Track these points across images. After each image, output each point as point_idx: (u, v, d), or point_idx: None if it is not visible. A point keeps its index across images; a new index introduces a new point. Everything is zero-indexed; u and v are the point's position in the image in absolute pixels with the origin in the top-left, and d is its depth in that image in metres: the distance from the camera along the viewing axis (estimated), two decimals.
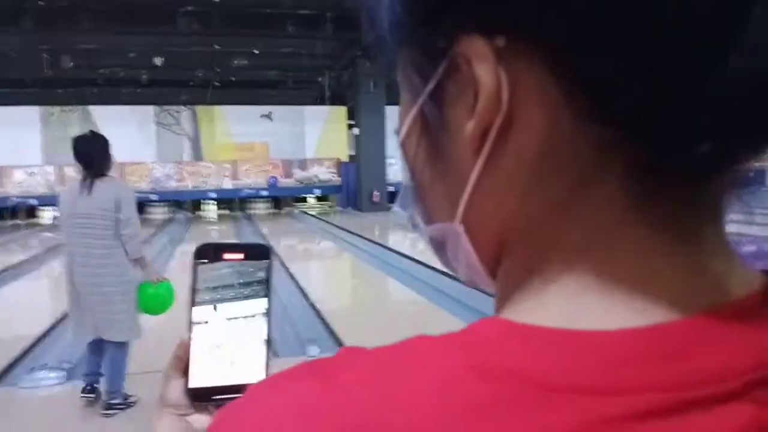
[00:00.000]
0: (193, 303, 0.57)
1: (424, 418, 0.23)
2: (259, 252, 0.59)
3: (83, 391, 3.48)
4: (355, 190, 18.23)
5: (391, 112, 17.23)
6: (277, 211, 19.08)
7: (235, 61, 15.65)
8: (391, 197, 18.15)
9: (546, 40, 0.24)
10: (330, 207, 19.57)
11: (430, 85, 0.28)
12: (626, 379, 0.23)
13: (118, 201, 3.33)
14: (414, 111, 0.30)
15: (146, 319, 3.61)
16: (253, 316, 0.58)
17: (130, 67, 16.05)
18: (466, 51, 0.25)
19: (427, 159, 0.30)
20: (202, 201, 18.81)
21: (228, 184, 18.80)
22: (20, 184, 17.47)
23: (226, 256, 0.58)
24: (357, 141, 17.74)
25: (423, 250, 10.72)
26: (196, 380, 0.56)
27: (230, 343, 0.58)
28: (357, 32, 13.54)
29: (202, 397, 0.56)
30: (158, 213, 17.91)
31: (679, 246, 0.26)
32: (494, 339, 0.25)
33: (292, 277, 7.85)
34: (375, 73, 16.07)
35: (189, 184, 18.58)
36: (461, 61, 0.26)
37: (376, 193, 17.13)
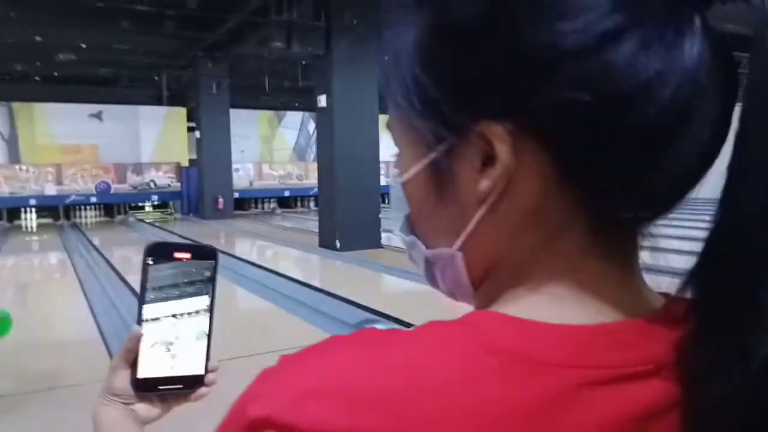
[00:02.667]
0: (143, 300, 0.63)
1: (454, 380, 0.33)
2: (205, 253, 0.65)
3: None
4: (197, 196, 17.46)
5: (236, 116, 16.79)
6: (108, 219, 17.70)
7: (60, 55, 14.28)
8: (237, 204, 17.69)
9: (540, 131, 0.35)
10: (169, 214, 18.55)
11: (444, 147, 0.38)
12: (586, 358, 0.34)
13: None
14: (425, 161, 0.39)
15: None
16: (197, 312, 0.64)
17: None
18: (486, 131, 0.35)
19: (431, 200, 0.40)
20: (21, 208, 16.86)
21: (51, 190, 17.06)
22: None
23: (176, 255, 0.63)
24: (198, 144, 16.98)
25: (271, 258, 10.62)
26: (143, 371, 0.62)
27: (175, 337, 0.63)
28: (199, 31, 13.02)
29: (148, 388, 0.63)
30: None
31: (621, 272, 0.38)
32: (495, 325, 0.35)
33: (131, 290, 7.34)
34: (219, 74, 15.57)
35: (5, 189, 16.57)
36: (478, 137, 0.36)
37: (220, 199, 16.55)
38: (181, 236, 12.59)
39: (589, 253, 0.37)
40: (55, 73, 16.28)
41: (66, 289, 8.03)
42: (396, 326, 4.48)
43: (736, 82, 0.35)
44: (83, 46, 13.67)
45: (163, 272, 0.63)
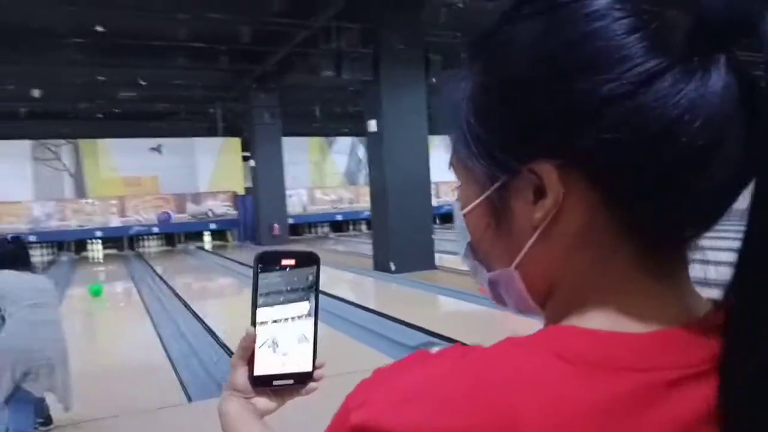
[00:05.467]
0: (256, 305, 0.68)
1: (535, 382, 0.37)
2: (308, 259, 0.71)
3: None
4: (254, 223, 17.88)
5: (288, 144, 17.18)
6: (170, 248, 18.30)
7: (121, 93, 15.00)
8: (292, 230, 18.01)
9: (587, 167, 0.39)
10: (227, 242, 19.04)
11: (498, 184, 0.43)
12: (651, 362, 0.38)
13: None
14: (482, 197, 0.45)
15: None
16: (304, 313, 0.70)
17: (4, 99, 14.91)
18: (536, 169, 0.40)
19: (490, 228, 0.46)
20: (87, 240, 17.66)
21: (115, 222, 17.81)
22: None
23: (283, 262, 0.69)
24: (253, 173, 17.45)
25: (326, 282, 10.70)
26: (259, 369, 0.68)
27: (285, 338, 0.69)
28: (251, 64, 13.46)
29: (264, 383, 0.69)
30: (38, 255, 16.56)
31: (669, 284, 0.42)
32: (566, 336, 0.40)
33: (196, 316, 7.56)
34: (271, 104, 16.01)
35: (72, 223, 17.41)
36: (529, 173, 0.41)
37: (275, 226, 16.89)
38: (239, 263, 12.88)
39: (639, 269, 0.41)
40: (117, 110, 17.10)
41: (133, 317, 8.32)
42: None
43: (765, 102, 0.39)
44: (143, 83, 14.33)
45: (272, 278, 0.69)
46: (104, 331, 8.13)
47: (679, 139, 0.37)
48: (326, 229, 20.25)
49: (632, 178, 0.38)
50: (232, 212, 18.89)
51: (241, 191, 18.89)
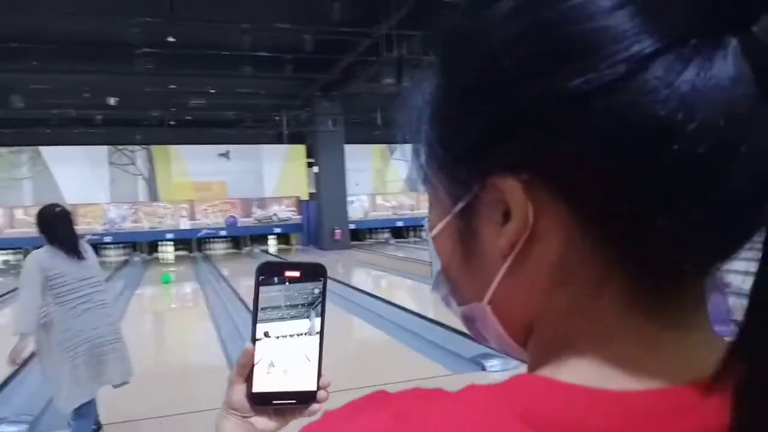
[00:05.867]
0: (256, 320, 0.64)
1: None
2: (314, 271, 0.67)
3: None
4: (316, 228, 18.16)
5: (351, 151, 17.37)
6: (236, 251, 18.82)
7: (192, 101, 15.56)
8: (353, 235, 18.17)
9: (560, 181, 0.32)
10: (291, 246, 19.41)
11: (460, 205, 0.36)
12: (636, 429, 0.30)
13: None
14: (446, 219, 0.38)
15: None
16: (308, 329, 0.66)
17: (82, 107, 15.77)
18: (499, 185, 0.33)
19: (458, 255, 0.39)
20: (159, 242, 18.40)
21: (185, 225, 18.48)
22: None
23: (287, 273, 0.65)
24: (317, 179, 17.74)
25: (387, 288, 10.74)
26: (258, 386, 0.64)
27: (287, 354, 0.65)
28: (315, 73, 13.69)
29: (263, 401, 0.64)
30: (113, 255, 17.41)
31: (672, 332, 0.33)
32: (534, 392, 0.32)
33: None
34: (334, 111, 16.23)
35: (145, 225, 18.19)
36: (492, 190, 0.34)
37: (337, 230, 17.10)
38: None
39: (633, 309, 0.33)
40: (188, 117, 17.74)
41: (197, 317, 8.59)
42: (509, 360, 4.36)
43: None
44: (212, 91, 14.83)
45: (274, 292, 0.65)
46: (168, 330, 8.43)
47: (670, 145, 0.28)
48: (387, 235, 20.30)
49: (616, 194, 0.30)
50: (296, 217, 19.25)
51: (305, 197, 19.22)
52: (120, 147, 18.19)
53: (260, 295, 0.64)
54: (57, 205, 3.57)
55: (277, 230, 19.32)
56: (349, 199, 17.85)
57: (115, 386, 3.53)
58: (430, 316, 7.49)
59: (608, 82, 0.29)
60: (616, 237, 0.32)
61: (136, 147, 18.34)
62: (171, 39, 11.05)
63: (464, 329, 0.42)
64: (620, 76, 0.28)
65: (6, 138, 16.99)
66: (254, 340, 0.64)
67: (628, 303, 0.33)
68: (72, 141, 17.51)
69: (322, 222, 17.38)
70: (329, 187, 17.22)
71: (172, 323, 8.95)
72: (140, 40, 10.64)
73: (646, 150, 0.29)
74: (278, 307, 0.65)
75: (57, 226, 3.45)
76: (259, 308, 0.64)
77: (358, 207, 19.44)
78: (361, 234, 19.59)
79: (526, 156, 0.32)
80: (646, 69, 0.28)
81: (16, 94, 13.69)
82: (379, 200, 20.16)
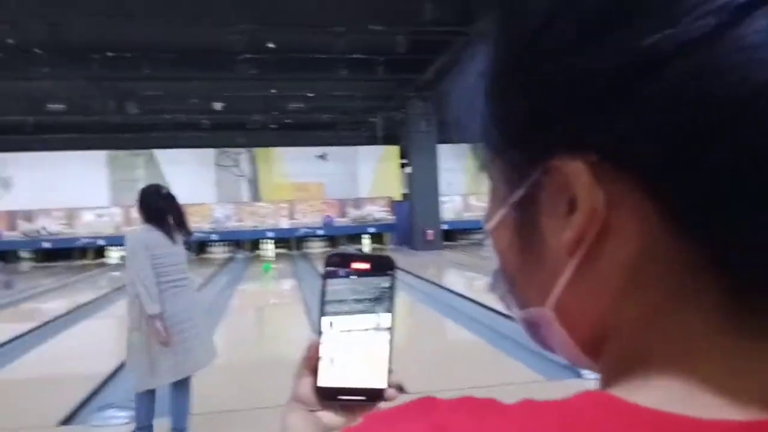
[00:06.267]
0: (323, 313, 0.62)
1: None
2: (383, 264, 0.63)
3: None
4: (409, 228, 18.24)
5: (444, 151, 17.30)
6: (332, 249, 19.27)
7: (291, 105, 16.10)
8: (446, 235, 18.08)
9: (638, 163, 0.26)
10: (384, 245, 19.62)
11: (519, 194, 0.31)
12: None
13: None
14: (503, 210, 0.33)
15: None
16: (378, 324, 0.63)
17: (191, 112, 16.75)
18: (562, 168, 0.28)
19: (517, 251, 0.33)
20: (260, 240, 19.21)
21: (285, 224, 19.16)
22: (89, 225, 18.30)
23: (354, 265, 0.62)
24: (409, 179, 17.82)
25: (480, 290, 10.60)
26: (324, 380, 0.62)
27: (354, 350, 0.62)
28: (408, 73, 13.75)
29: (329, 396, 0.62)
30: (218, 252, 18.40)
31: (760, 353, 0.27)
32: (601, 418, 0.26)
33: None
34: (427, 111, 16.23)
35: (248, 224, 19.04)
36: (555, 175, 0.29)
37: (429, 231, 17.08)
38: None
39: (730, 322, 0.27)
40: (288, 121, 18.38)
41: (295, 313, 8.86)
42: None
43: None
44: (310, 95, 15.28)
45: (341, 284, 0.62)
46: (267, 324, 8.74)
47: None
48: (480, 236, 19.97)
49: (711, 180, 0.24)
50: (390, 217, 19.43)
51: (398, 197, 19.37)
52: (225, 150, 19.16)
53: (327, 287, 0.62)
54: (162, 187, 3.63)
55: (371, 230, 19.59)
56: (442, 199, 17.79)
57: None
58: None
59: (693, 38, 0.24)
60: (710, 236, 0.26)
61: (240, 149, 19.24)
62: (271, 45, 11.49)
63: (572, 365, 0.36)
64: (708, 31, 0.24)
65: (123, 142, 18.40)
66: (320, 333, 0.62)
67: (725, 314, 0.27)
68: (182, 144, 18.68)
69: (415, 222, 17.43)
70: (422, 187, 17.23)
71: (271, 318, 9.29)
72: (242, 46, 11.13)
73: (745, 122, 0.23)
74: (345, 301, 0.62)
75: (162, 207, 3.47)
76: (326, 301, 0.62)
77: (451, 207, 19.32)
78: (453, 234, 19.45)
79: (593, 133, 0.27)
80: (741, 22, 0.23)
81: (131, 101, 14.78)
82: (472, 200, 19.93)
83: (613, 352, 0.31)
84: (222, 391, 4.47)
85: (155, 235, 3.43)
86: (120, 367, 5.23)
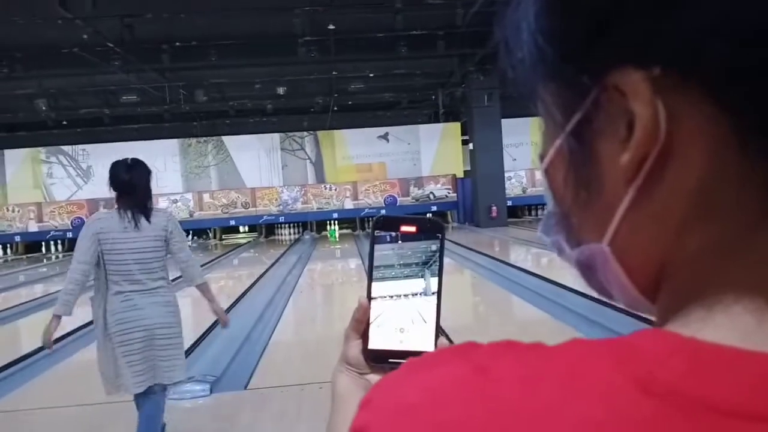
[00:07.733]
0: (372, 276, 0.63)
1: (577, 426, 0.23)
2: (431, 227, 0.63)
3: None
4: (472, 205, 18.10)
5: (507, 126, 16.99)
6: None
7: (352, 86, 16.20)
8: (510, 212, 17.84)
9: (708, 70, 0.23)
10: (447, 223, 19.57)
11: (576, 118, 0.29)
12: None
13: (169, 229, 3.01)
14: (558, 142, 0.31)
15: None
16: (425, 288, 0.64)
17: (256, 98, 17.15)
18: (620, 83, 0.25)
19: (573, 186, 0.31)
20: (326, 221, 19.56)
21: (349, 205, 19.41)
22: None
23: (403, 228, 0.63)
24: (472, 156, 17.63)
25: (546, 266, 10.45)
26: (373, 343, 0.63)
27: (402, 314, 0.63)
28: (469, 48, 13.55)
29: (378, 359, 0.63)
30: (286, 234, 18.92)
31: None
32: (660, 353, 0.24)
33: None
34: (489, 86, 15.96)
35: (313, 205, 19.42)
36: (613, 93, 0.26)
37: (494, 208, 16.89)
38: (458, 244, 13.17)
39: None
40: (349, 102, 18.52)
41: (359, 291, 9.02)
42: None
43: None
44: (370, 75, 15.32)
45: (390, 249, 0.63)
46: (335, 302, 8.95)
47: None
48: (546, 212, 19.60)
49: None
50: (452, 195, 19.34)
51: (460, 174, 19.22)
52: (290, 134, 19.53)
53: (375, 252, 0.62)
54: (134, 159, 3.03)
55: (434, 208, 19.56)
56: (506, 174, 17.52)
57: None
58: (592, 293, 7.16)
59: None
60: None
61: (305, 133, 19.57)
62: (331, 26, 11.58)
63: (630, 310, 0.33)
64: None
65: (194, 129, 19.06)
66: (370, 297, 0.63)
67: None
68: (248, 130, 19.21)
69: (478, 199, 17.26)
70: (485, 163, 16.98)
71: (338, 295, 9.50)
72: (303, 29, 11.28)
73: None
74: (393, 265, 0.63)
75: (125, 180, 2.91)
76: (375, 266, 0.63)
77: (516, 183, 19.01)
78: (519, 210, 19.15)
79: (658, 36, 0.24)
80: None
81: (199, 89, 15.26)
82: (538, 175, 19.34)
83: (672, 287, 0.28)
84: (292, 365, 4.64)
85: (109, 220, 2.89)
86: (198, 341, 5.51)
